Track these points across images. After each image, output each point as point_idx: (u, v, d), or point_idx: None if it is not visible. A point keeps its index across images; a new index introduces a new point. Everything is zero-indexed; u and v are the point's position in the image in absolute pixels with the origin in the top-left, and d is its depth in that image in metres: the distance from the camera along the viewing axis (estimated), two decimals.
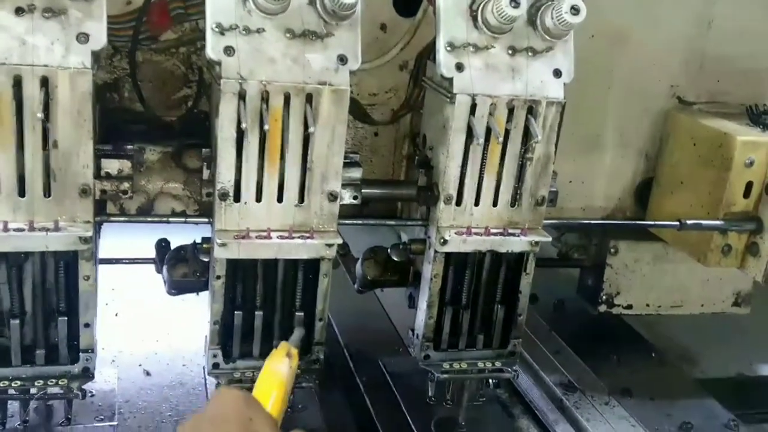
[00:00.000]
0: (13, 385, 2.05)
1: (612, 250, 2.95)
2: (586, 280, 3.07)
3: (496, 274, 2.36)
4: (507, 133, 2.18)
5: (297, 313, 2.17)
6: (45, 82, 1.85)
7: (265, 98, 1.97)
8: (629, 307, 3.03)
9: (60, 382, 2.08)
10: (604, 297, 2.99)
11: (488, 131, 2.15)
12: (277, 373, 1.65)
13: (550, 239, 2.29)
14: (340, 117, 2.04)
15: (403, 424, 2.54)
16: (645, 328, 3.32)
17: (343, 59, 2.02)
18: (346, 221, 2.25)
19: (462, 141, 2.16)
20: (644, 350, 3.19)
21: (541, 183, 2.26)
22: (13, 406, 2.20)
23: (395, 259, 2.51)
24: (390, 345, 3.00)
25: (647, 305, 3.05)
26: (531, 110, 2.17)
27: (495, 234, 2.24)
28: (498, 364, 2.41)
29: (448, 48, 2.11)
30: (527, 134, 2.19)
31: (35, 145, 1.89)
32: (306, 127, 2.01)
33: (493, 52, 2.14)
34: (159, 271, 2.45)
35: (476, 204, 2.23)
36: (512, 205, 2.25)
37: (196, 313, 2.70)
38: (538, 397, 2.77)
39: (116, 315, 3.03)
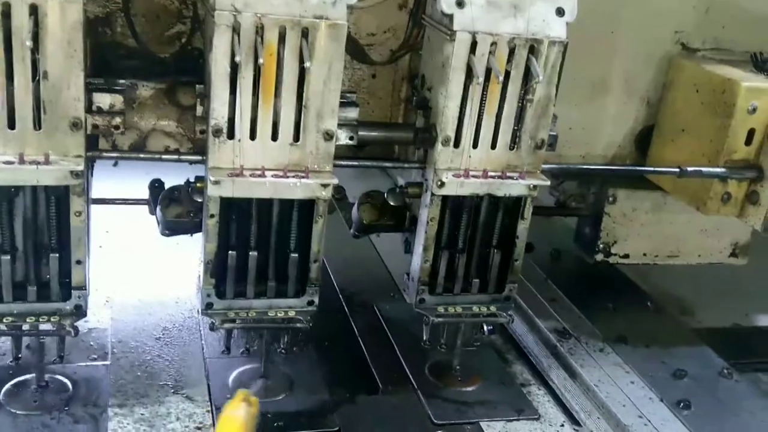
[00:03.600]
0: (4, 321, 2.04)
1: (610, 199, 2.91)
2: (584, 229, 3.04)
3: (493, 218, 2.33)
4: (507, 73, 2.14)
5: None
6: (34, 11, 1.80)
7: (259, 32, 1.92)
8: (626, 256, 3.00)
9: (52, 319, 2.07)
10: (601, 246, 2.96)
11: (488, 71, 2.11)
12: (235, 419, 1.67)
13: (548, 183, 2.26)
14: (337, 53, 2.00)
15: (398, 368, 2.54)
16: (641, 279, 3.31)
17: None
18: (342, 162, 2.22)
19: (461, 80, 2.12)
20: (640, 300, 3.19)
21: (541, 125, 2.22)
22: (6, 344, 2.18)
23: (392, 203, 2.49)
24: (385, 291, 3.00)
25: (644, 255, 3.02)
26: (532, 49, 2.13)
27: (493, 177, 2.21)
28: (493, 309, 2.40)
29: None
30: (528, 74, 2.15)
31: (25, 75, 1.85)
32: (302, 62, 1.96)
33: None
34: (152, 212, 2.43)
35: (474, 146, 2.19)
36: (511, 147, 2.22)
37: (190, 255, 2.70)
38: (532, 343, 2.78)
39: (100, 247, 2.98)
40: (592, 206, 3.00)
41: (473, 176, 2.20)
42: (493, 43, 2.09)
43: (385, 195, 2.52)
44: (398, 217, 2.51)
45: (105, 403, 2.23)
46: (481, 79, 2.09)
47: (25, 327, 2.07)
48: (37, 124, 1.89)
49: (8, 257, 2.02)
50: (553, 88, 2.19)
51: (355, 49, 2.46)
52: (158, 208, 2.37)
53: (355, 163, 2.34)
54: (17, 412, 2.16)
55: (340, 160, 2.17)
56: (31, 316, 2.07)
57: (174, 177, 2.36)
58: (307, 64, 1.94)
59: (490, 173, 2.21)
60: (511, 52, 2.12)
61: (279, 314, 2.23)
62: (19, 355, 2.18)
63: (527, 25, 2.12)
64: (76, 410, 2.19)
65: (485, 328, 2.54)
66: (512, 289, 2.41)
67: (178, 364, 2.44)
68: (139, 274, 2.92)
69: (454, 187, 2.20)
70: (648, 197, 2.93)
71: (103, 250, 2.96)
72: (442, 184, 2.19)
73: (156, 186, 2.43)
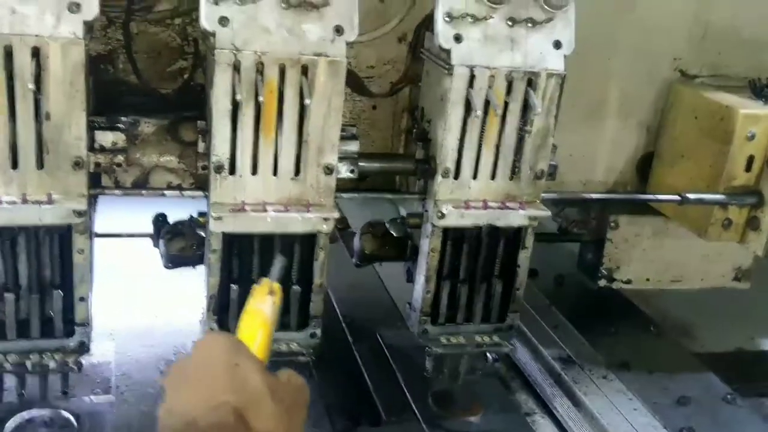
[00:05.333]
0: (8, 358, 2.04)
1: (612, 225, 2.93)
2: (586, 255, 3.05)
3: (494, 248, 2.33)
4: (506, 105, 2.15)
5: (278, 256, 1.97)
6: (36, 53, 1.82)
7: (260, 69, 1.94)
8: (629, 282, 3.01)
9: (55, 356, 2.08)
10: (603, 272, 2.97)
11: (487, 104, 2.13)
12: (260, 313, 1.57)
13: (549, 214, 2.27)
14: (337, 89, 2.02)
15: (401, 398, 2.54)
16: (644, 303, 3.31)
17: (339, 30, 1.99)
18: (344, 195, 2.23)
19: (460, 113, 2.13)
20: (643, 324, 3.18)
21: (540, 156, 2.23)
22: (9, 380, 2.19)
23: (393, 233, 2.50)
24: (388, 318, 2.99)
25: (647, 280, 3.04)
26: (530, 82, 2.14)
27: (493, 208, 2.22)
28: (496, 339, 2.40)
29: (447, 18, 2.08)
30: (526, 107, 2.16)
31: (27, 116, 1.86)
32: (302, 98, 1.98)
33: (491, 23, 2.10)
34: (156, 245, 2.44)
35: (474, 177, 2.20)
36: (511, 178, 2.23)
37: (194, 287, 2.70)
38: (536, 371, 2.77)
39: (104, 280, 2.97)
40: (594, 232, 3.01)
41: (473, 207, 2.21)
42: (491, 76, 2.11)
43: (387, 225, 2.53)
44: (400, 247, 2.52)
45: None
46: (480, 113, 2.10)
47: (29, 364, 2.07)
48: (40, 163, 1.91)
49: (12, 295, 2.03)
50: (551, 119, 2.20)
51: (354, 82, 2.48)
52: (162, 242, 2.39)
53: (357, 195, 2.34)
54: None
55: (341, 191, 2.18)
56: (35, 352, 2.08)
57: (178, 212, 2.38)
58: (307, 101, 1.96)
59: (489, 204, 2.22)
60: (509, 85, 2.13)
61: (281, 347, 2.24)
62: (23, 392, 2.18)
63: (525, 59, 2.14)
64: None
65: (489, 356, 2.54)
66: (514, 318, 2.41)
67: None
68: (142, 306, 2.93)
69: (454, 219, 2.21)
70: (650, 223, 2.94)
71: (107, 282, 2.96)
72: (443, 216, 2.20)
73: (160, 220, 2.44)
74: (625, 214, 2.94)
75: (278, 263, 1.69)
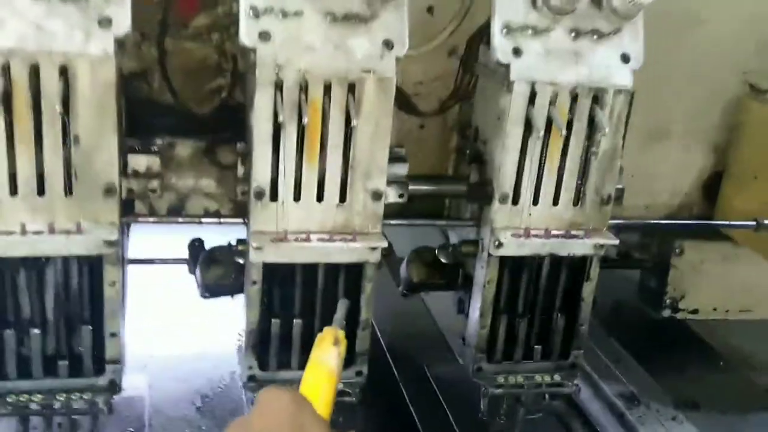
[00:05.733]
0: (34, 399, 1.91)
1: (677, 251, 2.73)
2: (648, 282, 2.86)
3: (555, 279, 2.16)
4: (569, 124, 1.98)
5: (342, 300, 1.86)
6: (64, 71, 1.70)
7: (303, 88, 1.80)
8: (695, 311, 2.82)
9: (84, 396, 1.94)
10: (668, 301, 2.78)
11: (549, 122, 1.96)
12: (325, 366, 1.44)
13: (616, 242, 2.09)
14: (386, 108, 1.87)
15: None
16: (709, 334, 3.09)
17: (388, 44, 1.84)
18: (391, 221, 2.07)
19: (519, 133, 1.97)
20: (710, 358, 2.97)
21: (607, 179, 2.05)
22: (35, 419, 2.05)
23: (443, 261, 2.33)
24: (436, 351, 2.82)
25: (714, 309, 2.84)
26: (596, 99, 1.98)
27: (556, 236, 2.04)
28: (557, 378, 2.22)
29: (505, 31, 1.92)
30: (592, 125, 1.99)
31: (54, 140, 1.74)
32: (348, 119, 1.83)
33: (554, 35, 1.95)
34: (192, 272, 2.30)
35: (535, 203, 2.04)
36: (575, 204, 2.06)
37: (233, 317, 2.55)
38: (598, 411, 2.58)
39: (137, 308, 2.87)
40: (657, 258, 2.81)
41: (534, 235, 2.04)
42: (554, 93, 1.95)
43: (436, 252, 2.36)
44: (450, 276, 2.35)
45: None
46: (542, 132, 1.94)
47: (56, 405, 1.93)
48: (68, 190, 1.78)
49: (38, 331, 1.89)
50: (619, 139, 2.03)
51: (401, 100, 2.32)
52: (198, 270, 2.25)
53: (405, 222, 2.18)
54: None
55: (387, 218, 2.02)
56: (63, 392, 1.94)
57: (215, 236, 2.24)
58: (354, 122, 1.81)
59: (552, 232, 2.04)
60: (574, 102, 1.97)
61: None
62: None
63: (590, 73, 1.97)
64: None
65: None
66: (578, 356, 2.22)
67: None
68: (177, 336, 2.79)
69: (513, 248, 2.04)
70: (717, 248, 2.76)
71: (141, 311, 2.84)
72: (500, 245, 2.03)
73: (196, 246, 2.31)
74: (691, 239, 2.74)
75: (342, 308, 1.54)
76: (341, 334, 1.49)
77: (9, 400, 1.90)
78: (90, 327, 1.93)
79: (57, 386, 1.94)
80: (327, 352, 1.45)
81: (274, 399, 1.19)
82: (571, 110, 1.97)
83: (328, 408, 1.36)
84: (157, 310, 2.91)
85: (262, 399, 1.19)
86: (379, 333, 2.85)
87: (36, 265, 1.86)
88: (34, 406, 1.92)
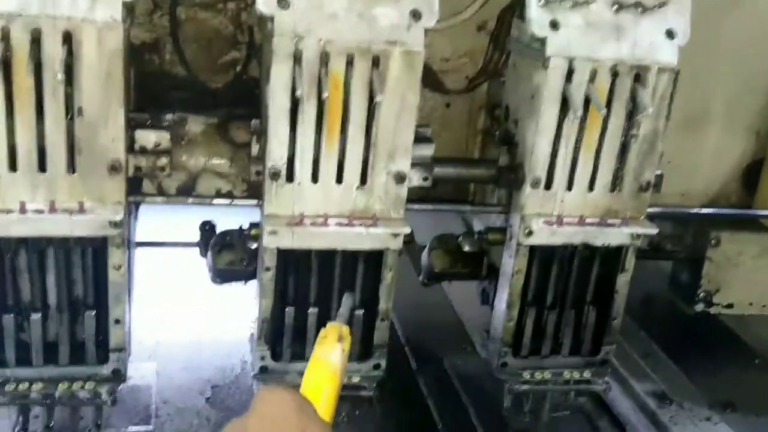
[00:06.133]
0: (34, 387, 1.80)
1: (713, 242, 2.59)
2: (680, 275, 2.72)
3: (588, 270, 2.03)
4: (609, 103, 1.85)
5: (347, 294, 1.77)
6: (68, 38, 1.59)
7: (324, 60, 1.68)
8: (730, 306, 2.67)
9: (86, 386, 1.83)
10: (701, 294, 2.63)
11: (586, 102, 1.83)
12: (328, 365, 1.33)
13: (655, 231, 1.97)
14: (412, 83, 1.74)
15: None
16: (744, 330, 2.94)
17: (416, 15, 1.71)
18: (414, 206, 1.94)
19: (555, 113, 1.84)
20: (745, 355, 2.83)
21: (647, 164, 1.93)
22: (36, 409, 1.95)
23: (467, 249, 2.20)
24: (456, 343, 2.69)
25: (750, 305, 2.69)
26: (638, 77, 1.84)
27: (590, 224, 1.91)
28: (587, 375, 2.09)
29: (542, 2, 1.78)
30: (633, 106, 1.85)
31: (57, 112, 1.63)
32: (371, 95, 1.70)
33: (594, 8, 1.83)
34: (203, 255, 2.19)
35: (569, 188, 1.91)
36: (612, 190, 1.93)
37: (245, 303, 2.45)
38: (627, 409, 2.44)
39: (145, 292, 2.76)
40: (691, 249, 2.67)
41: (567, 223, 1.91)
42: (593, 70, 1.81)
43: (459, 239, 2.24)
44: (474, 265, 2.24)
45: None
46: (579, 112, 1.80)
47: (57, 394, 1.83)
48: (71, 167, 1.67)
49: (38, 316, 1.78)
50: (662, 121, 1.90)
51: (427, 77, 2.20)
52: (209, 255, 2.13)
53: (429, 207, 2.05)
54: None
55: (409, 202, 1.90)
56: (64, 380, 1.83)
57: (227, 218, 2.12)
58: (378, 98, 1.68)
59: (587, 220, 1.91)
60: (614, 80, 1.83)
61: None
62: (52, 423, 1.93)
63: (632, 50, 1.84)
64: None
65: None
66: (609, 352, 2.09)
67: None
68: (187, 323, 2.68)
69: (544, 236, 1.92)
70: (756, 240, 2.62)
71: (150, 295, 2.73)
72: (531, 233, 1.91)
73: (207, 229, 2.20)
74: (728, 230, 2.59)
75: (347, 303, 1.43)
76: (346, 330, 1.38)
77: (7, 388, 1.80)
78: (93, 313, 1.82)
79: (58, 375, 1.84)
80: (330, 349, 1.33)
81: (273, 400, 1.08)
82: (611, 89, 1.85)
83: (330, 409, 1.24)
84: (165, 295, 2.80)
85: (261, 399, 1.07)
86: (396, 323, 2.73)
87: (36, 246, 1.75)
88: (34, 395, 1.82)
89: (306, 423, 1.04)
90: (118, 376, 1.86)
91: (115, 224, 1.71)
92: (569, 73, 1.80)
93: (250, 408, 1.07)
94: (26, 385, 1.81)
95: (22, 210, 1.65)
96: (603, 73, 1.82)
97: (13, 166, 1.65)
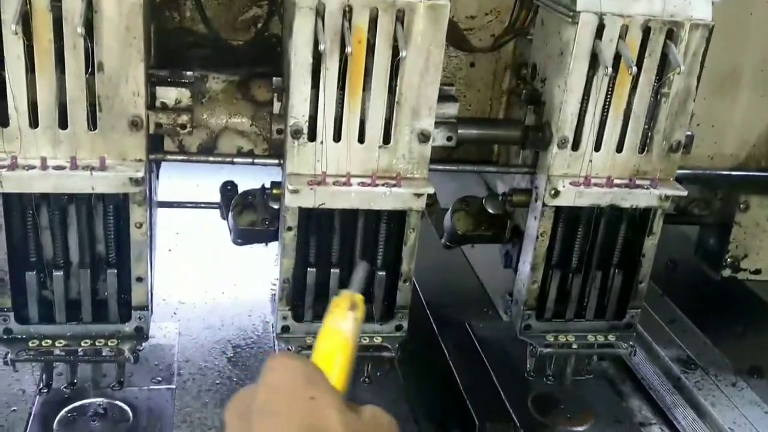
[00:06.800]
0: (57, 344, 1.81)
1: (741, 206, 2.53)
2: (707, 240, 2.66)
3: (614, 232, 1.99)
4: (639, 61, 1.79)
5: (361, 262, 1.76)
6: None
7: (347, 15, 1.64)
8: (757, 272, 2.61)
9: (110, 343, 1.84)
10: (728, 260, 2.57)
11: (617, 59, 1.77)
12: (340, 333, 1.29)
13: (685, 193, 1.92)
14: (437, 39, 1.70)
15: (497, 401, 2.21)
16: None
17: None
18: (438, 167, 1.91)
19: (584, 71, 1.79)
20: None
21: (678, 124, 1.87)
22: (60, 365, 1.96)
23: (490, 211, 2.18)
24: (478, 306, 2.67)
25: None
26: (671, 34, 1.78)
27: (619, 185, 1.87)
28: (611, 338, 2.06)
29: None
30: (664, 64, 1.80)
31: (77, 67, 1.61)
32: (395, 50, 1.66)
33: None
34: (224, 217, 2.18)
35: (597, 149, 1.87)
36: (641, 150, 1.88)
37: (266, 262, 2.44)
38: (651, 374, 2.42)
39: (169, 251, 2.79)
40: (719, 214, 2.61)
41: (595, 184, 1.87)
42: (624, 26, 1.75)
43: (483, 201, 2.21)
44: (497, 227, 2.21)
45: None
46: (609, 69, 1.75)
47: (80, 351, 1.83)
48: (92, 123, 1.65)
49: (61, 273, 1.78)
50: (694, 79, 1.84)
51: (452, 34, 2.14)
52: (230, 215, 2.12)
53: (453, 167, 2.02)
54: None
55: (432, 163, 1.86)
56: (87, 338, 1.84)
57: (248, 178, 2.10)
58: (402, 54, 1.64)
59: (615, 181, 1.87)
60: (645, 36, 1.77)
61: (363, 341, 1.94)
62: (75, 380, 1.94)
63: (665, 5, 1.77)
64: None
65: None
66: (634, 316, 2.06)
67: None
68: (209, 283, 2.68)
69: (570, 197, 1.87)
70: None
71: (172, 255, 2.74)
72: (557, 193, 1.87)
73: (228, 189, 2.18)
74: (757, 194, 2.53)
75: (360, 271, 1.40)
76: (359, 298, 1.35)
77: (31, 345, 1.81)
78: (115, 271, 1.82)
79: (81, 332, 1.84)
80: (342, 317, 1.29)
81: (283, 368, 1.05)
82: (642, 46, 1.79)
83: (343, 378, 1.21)
84: (187, 255, 2.81)
85: (271, 367, 1.05)
86: (417, 286, 2.71)
87: (58, 202, 1.74)
88: (57, 352, 1.83)
89: (315, 390, 1.01)
90: (141, 333, 1.86)
91: (136, 181, 1.69)
92: (599, 29, 1.75)
93: (259, 377, 1.04)
94: (49, 342, 1.82)
95: (44, 166, 1.63)
96: (634, 29, 1.76)
97: (34, 122, 1.63)
